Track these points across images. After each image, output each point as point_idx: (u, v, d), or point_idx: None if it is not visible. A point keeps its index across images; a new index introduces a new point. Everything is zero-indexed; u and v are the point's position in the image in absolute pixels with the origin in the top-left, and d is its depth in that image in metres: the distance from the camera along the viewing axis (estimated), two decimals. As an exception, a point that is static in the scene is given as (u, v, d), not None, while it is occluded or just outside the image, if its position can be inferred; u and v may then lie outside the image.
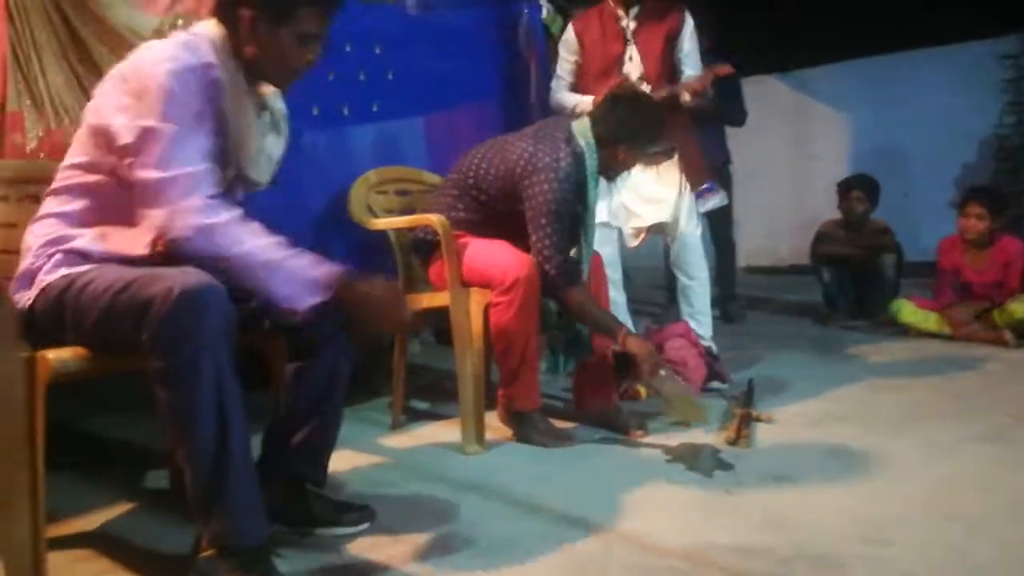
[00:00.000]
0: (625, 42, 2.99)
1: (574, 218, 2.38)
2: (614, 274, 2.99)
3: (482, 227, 2.40)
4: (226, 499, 1.36)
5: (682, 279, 3.10)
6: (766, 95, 6.38)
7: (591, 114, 2.44)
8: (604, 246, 2.89)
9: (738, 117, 4.31)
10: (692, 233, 3.05)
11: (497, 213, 2.40)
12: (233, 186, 1.66)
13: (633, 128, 2.39)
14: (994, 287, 3.59)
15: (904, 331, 3.73)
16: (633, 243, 3.12)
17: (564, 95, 3.06)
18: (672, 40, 3.00)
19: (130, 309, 1.35)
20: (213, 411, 1.34)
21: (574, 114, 2.81)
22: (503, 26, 3.19)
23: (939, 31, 5.72)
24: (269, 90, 1.69)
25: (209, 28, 1.56)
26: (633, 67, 2.99)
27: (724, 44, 4.32)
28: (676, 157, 3.00)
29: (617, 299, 2.97)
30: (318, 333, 1.63)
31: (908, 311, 3.72)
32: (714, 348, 3.05)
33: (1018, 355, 3.26)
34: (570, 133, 2.38)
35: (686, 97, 2.95)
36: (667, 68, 3.01)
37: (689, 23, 3.04)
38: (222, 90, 1.52)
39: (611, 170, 2.46)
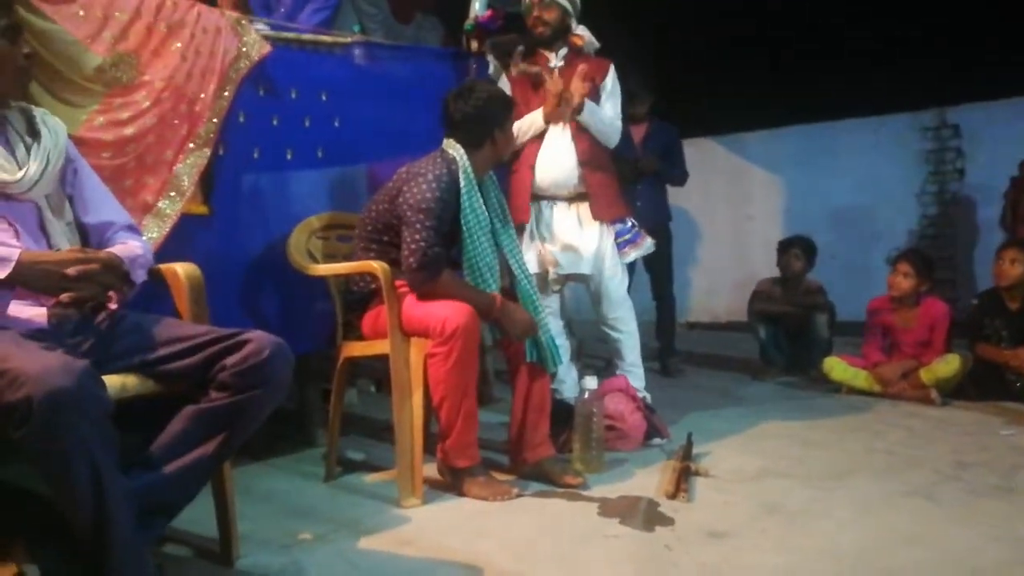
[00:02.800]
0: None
1: (452, 221, 2.38)
2: (556, 321, 3.00)
3: (396, 267, 2.37)
4: (109, 562, 1.39)
5: (611, 333, 3.07)
6: (706, 157, 6.59)
7: (448, 133, 2.49)
8: (544, 293, 2.93)
9: (679, 177, 4.43)
10: (617, 288, 3.02)
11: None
12: None
13: (482, 115, 2.45)
14: (920, 346, 3.71)
15: (836, 388, 3.82)
16: (555, 288, 3.09)
17: None
18: (596, 82, 3.01)
19: None
20: (90, 498, 1.36)
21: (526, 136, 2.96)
22: (450, 79, 3.23)
23: (868, 102, 6.03)
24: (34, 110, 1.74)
25: None
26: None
27: (667, 106, 4.49)
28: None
29: (561, 344, 2.96)
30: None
31: (839, 369, 3.82)
32: (648, 399, 3.05)
33: (943, 413, 3.36)
34: (441, 148, 2.46)
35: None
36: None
37: (613, 73, 3.07)
38: None
39: (498, 160, 2.56)
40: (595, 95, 3.01)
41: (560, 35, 3.04)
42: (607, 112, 3.05)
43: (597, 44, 3.10)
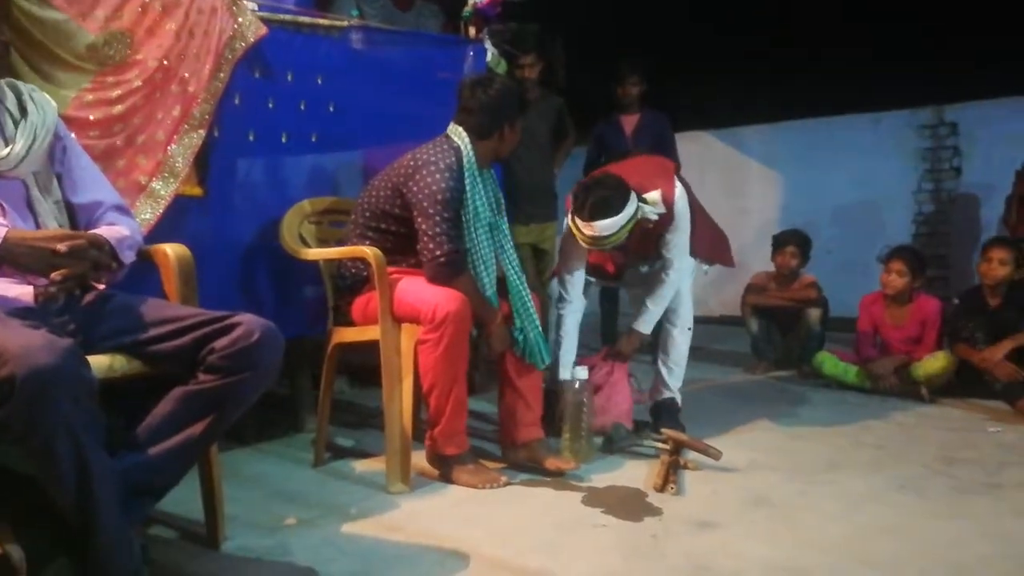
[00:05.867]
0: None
1: (458, 212, 2.37)
2: (577, 309, 2.96)
3: (392, 254, 2.36)
4: (94, 542, 1.40)
5: (665, 324, 2.90)
6: (702, 150, 6.59)
7: (458, 119, 2.45)
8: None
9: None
10: (683, 280, 2.86)
11: (403, 235, 2.38)
12: None
13: (497, 107, 2.42)
14: (912, 343, 3.72)
15: (827, 383, 3.83)
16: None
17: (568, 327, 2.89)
18: (657, 229, 2.73)
19: None
20: (74, 478, 1.36)
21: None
22: (447, 66, 3.21)
23: (866, 99, 6.03)
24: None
25: None
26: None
27: (662, 98, 4.47)
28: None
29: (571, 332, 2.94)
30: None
31: (830, 364, 3.83)
32: (679, 400, 2.91)
33: (932, 409, 3.37)
34: (446, 135, 2.44)
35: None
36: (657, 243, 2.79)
37: (675, 218, 2.72)
38: None
39: (500, 154, 2.52)
40: (659, 247, 2.79)
41: None
42: (672, 245, 2.76)
43: (661, 211, 2.67)
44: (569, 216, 2.66)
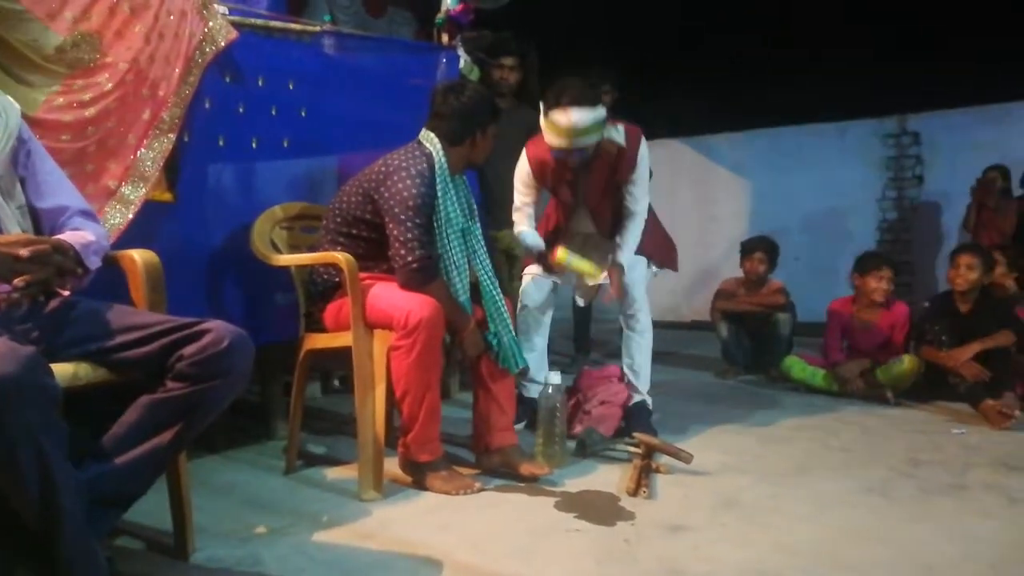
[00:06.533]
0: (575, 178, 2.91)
1: (430, 218, 2.36)
2: (543, 317, 3.03)
3: (364, 260, 2.35)
4: (58, 554, 1.37)
5: (625, 331, 2.97)
6: (673, 158, 6.67)
7: (430, 125, 2.45)
8: (536, 293, 3.00)
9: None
10: (637, 286, 2.92)
11: (375, 241, 2.37)
12: None
13: (469, 112, 2.42)
14: (879, 347, 3.79)
15: (795, 386, 3.88)
16: (581, 302, 3.23)
17: (527, 232, 3.02)
18: (617, 175, 2.86)
19: None
20: (37, 488, 1.33)
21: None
22: (420, 73, 3.22)
23: (832, 108, 6.14)
24: None
25: None
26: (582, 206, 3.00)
27: (630, 106, 4.50)
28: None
29: (538, 344, 3.02)
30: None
31: (798, 368, 3.88)
32: (649, 403, 2.98)
33: (897, 412, 3.43)
34: (417, 140, 2.43)
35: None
36: (612, 201, 2.94)
37: (641, 155, 2.84)
38: None
39: (473, 160, 2.51)
40: (615, 182, 2.89)
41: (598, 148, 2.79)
42: (637, 198, 2.90)
43: (622, 142, 2.81)
44: (540, 118, 2.72)
